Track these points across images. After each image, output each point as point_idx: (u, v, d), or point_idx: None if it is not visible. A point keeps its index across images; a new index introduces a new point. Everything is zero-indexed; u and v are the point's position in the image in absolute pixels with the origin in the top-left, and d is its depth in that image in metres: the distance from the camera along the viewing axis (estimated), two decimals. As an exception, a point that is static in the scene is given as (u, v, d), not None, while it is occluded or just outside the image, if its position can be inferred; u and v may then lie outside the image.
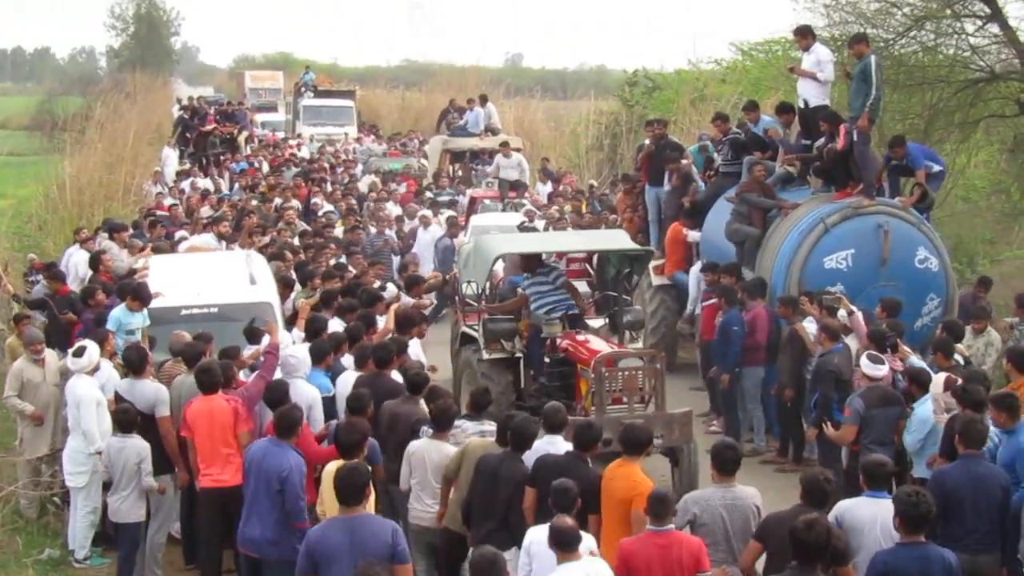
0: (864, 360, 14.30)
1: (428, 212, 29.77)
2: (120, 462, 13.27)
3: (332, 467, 11.25)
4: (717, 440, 11.21)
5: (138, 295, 16.65)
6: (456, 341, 19.38)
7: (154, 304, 16.79)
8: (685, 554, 9.67)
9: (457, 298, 20.13)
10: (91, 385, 14.22)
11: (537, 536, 10.10)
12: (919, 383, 13.98)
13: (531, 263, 18.25)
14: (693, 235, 21.91)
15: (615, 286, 18.79)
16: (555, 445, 12.07)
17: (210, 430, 12.77)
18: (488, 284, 18.66)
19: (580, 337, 16.77)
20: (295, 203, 30.65)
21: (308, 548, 10.00)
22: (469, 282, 18.55)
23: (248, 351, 14.94)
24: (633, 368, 15.50)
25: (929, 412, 13.47)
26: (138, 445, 13.27)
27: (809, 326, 16.79)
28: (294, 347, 14.76)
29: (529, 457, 11.94)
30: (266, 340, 14.44)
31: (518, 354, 17.21)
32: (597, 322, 18.14)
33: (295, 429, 11.81)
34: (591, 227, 27.17)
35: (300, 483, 11.36)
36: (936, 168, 19.49)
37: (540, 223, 28.06)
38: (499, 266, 19.62)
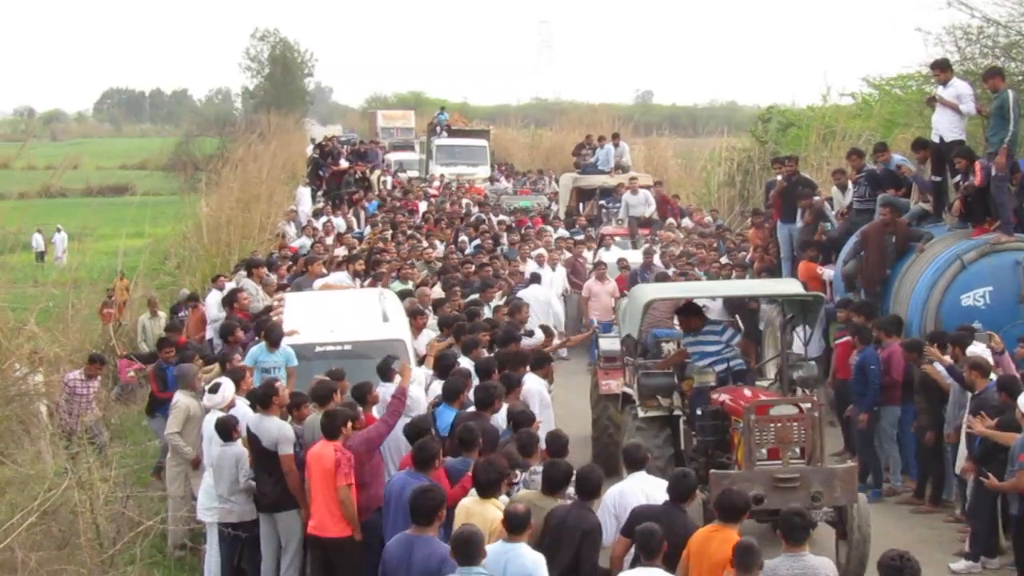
0: (1023, 400, 13.85)
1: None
2: (223, 467, 13.70)
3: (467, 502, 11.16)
4: (791, 508, 10.57)
5: (270, 336, 16.84)
6: (595, 395, 18.80)
7: (288, 341, 16.94)
8: None
9: (598, 352, 19.61)
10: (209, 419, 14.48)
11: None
12: None
13: (694, 320, 16.85)
14: (828, 272, 21.70)
15: (783, 338, 17.55)
16: (640, 481, 12.00)
17: (322, 476, 12.77)
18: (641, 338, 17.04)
19: (738, 391, 15.35)
20: (438, 244, 31.12)
21: (381, 559, 10.46)
22: (626, 335, 16.97)
23: (381, 388, 14.99)
24: (787, 417, 13.84)
25: None
26: (237, 451, 13.67)
27: (938, 365, 16.56)
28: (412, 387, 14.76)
29: (619, 498, 11.87)
30: (396, 382, 14.41)
31: (676, 411, 16.12)
32: (765, 381, 17.13)
33: (433, 462, 11.77)
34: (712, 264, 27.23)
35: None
36: None
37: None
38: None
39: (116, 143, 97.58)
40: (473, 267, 26.19)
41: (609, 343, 18.74)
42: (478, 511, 10.94)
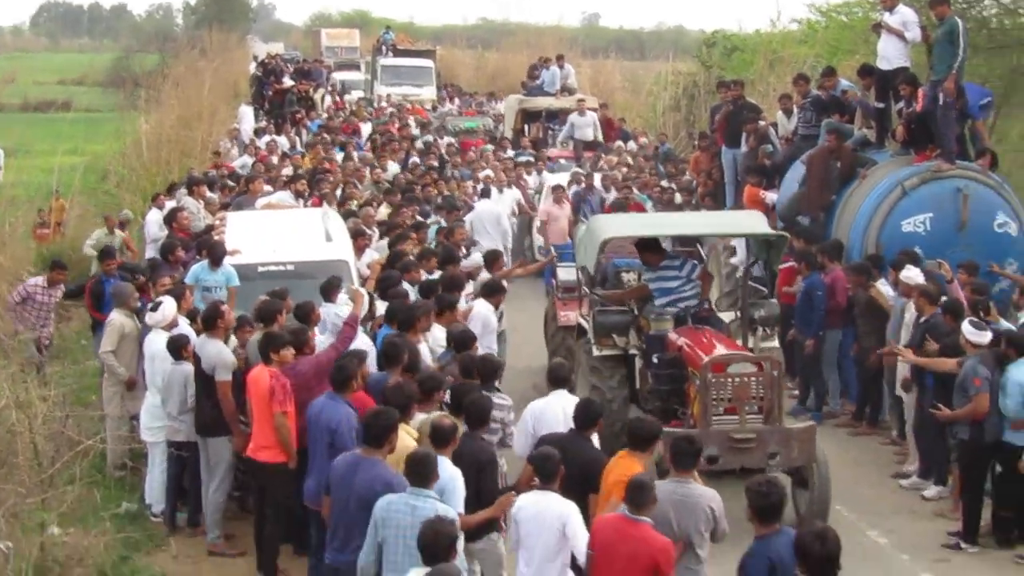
0: (967, 327, 14.00)
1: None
2: (173, 386, 13.76)
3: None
4: (679, 434, 10.69)
5: (213, 253, 16.79)
6: (552, 328, 18.50)
7: (230, 261, 16.88)
8: (646, 551, 9.12)
9: (555, 282, 19.16)
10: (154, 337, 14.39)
11: (523, 502, 10.01)
12: (1017, 346, 13.72)
13: (653, 255, 16.33)
14: (771, 197, 21.82)
15: (745, 275, 17.10)
16: (560, 399, 12.00)
17: (259, 400, 12.70)
18: (599, 271, 16.74)
19: (697, 335, 14.78)
20: (391, 165, 31.03)
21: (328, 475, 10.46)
22: (582, 268, 16.59)
23: (324, 308, 14.96)
24: (745, 374, 13.42)
25: None
26: (186, 369, 13.67)
27: (883, 288, 16.80)
28: (341, 308, 14.80)
29: (538, 415, 11.91)
30: (345, 308, 14.41)
31: (633, 351, 15.60)
32: (727, 316, 16.53)
33: (350, 383, 11.76)
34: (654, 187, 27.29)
35: (349, 436, 11.22)
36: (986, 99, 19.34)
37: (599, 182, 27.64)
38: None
39: (53, 58, 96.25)
40: (419, 187, 26.01)
41: (567, 272, 18.37)
42: None
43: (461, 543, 9.15)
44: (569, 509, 9.68)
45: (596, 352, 15.41)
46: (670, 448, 10.03)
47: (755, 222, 16.65)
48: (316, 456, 11.72)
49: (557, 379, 12.51)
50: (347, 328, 13.56)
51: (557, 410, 11.85)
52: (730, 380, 13.33)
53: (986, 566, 13.67)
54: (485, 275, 17.37)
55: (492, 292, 16.24)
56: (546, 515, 9.72)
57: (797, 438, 13.25)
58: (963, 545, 13.84)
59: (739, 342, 15.17)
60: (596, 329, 15.58)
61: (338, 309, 14.82)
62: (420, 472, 9.60)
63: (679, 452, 9.91)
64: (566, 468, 10.16)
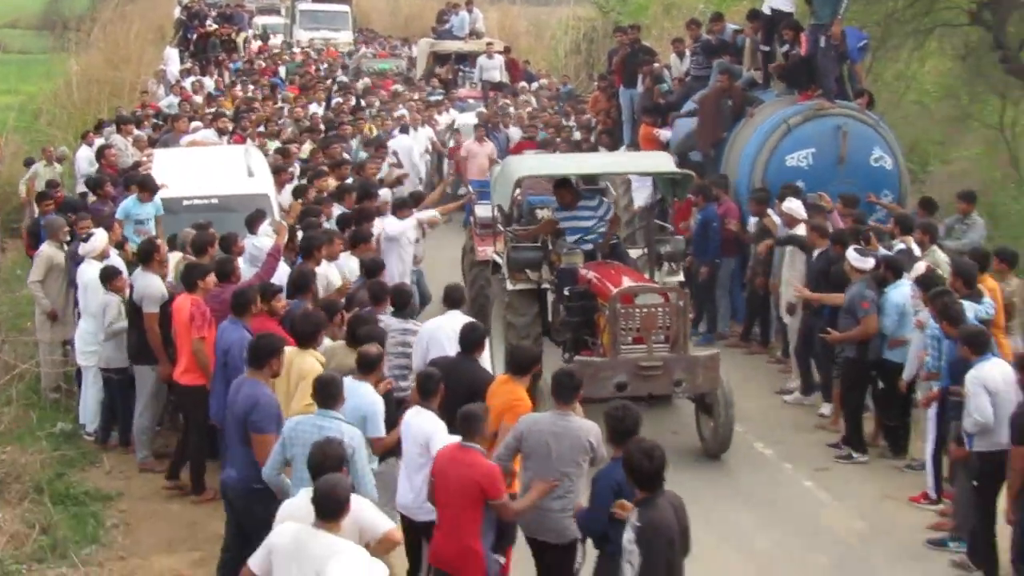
0: (852, 254, 14.17)
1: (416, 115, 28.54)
2: (102, 315, 13.76)
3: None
4: (560, 369, 10.41)
5: (145, 185, 16.65)
6: (469, 262, 18.28)
7: (158, 195, 16.75)
8: (471, 476, 9.01)
9: (473, 219, 18.91)
10: (98, 270, 14.21)
11: (405, 416, 10.11)
12: (895, 269, 14.02)
13: (567, 195, 15.91)
14: (664, 134, 21.85)
15: (650, 212, 16.78)
16: (451, 319, 12.05)
17: (181, 327, 12.75)
18: (514, 208, 16.44)
19: (606, 269, 14.55)
20: (313, 106, 30.91)
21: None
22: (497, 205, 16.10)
23: (247, 240, 14.86)
24: (652, 305, 13.19)
25: (903, 296, 13.64)
26: (105, 299, 13.71)
27: (773, 217, 17.04)
28: (261, 239, 14.82)
29: (430, 335, 12.00)
30: (267, 240, 14.41)
31: (545, 285, 15.31)
32: (635, 252, 16.12)
33: (248, 308, 11.76)
34: (556, 126, 27.22)
35: (240, 357, 10.99)
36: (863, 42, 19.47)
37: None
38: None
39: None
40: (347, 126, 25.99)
41: (484, 209, 17.86)
42: (296, 360, 10.83)
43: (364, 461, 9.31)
44: (436, 427, 9.71)
45: (510, 286, 15.06)
46: (553, 382, 9.85)
47: (662, 161, 16.36)
48: (216, 377, 11.78)
49: (451, 300, 12.54)
50: (270, 259, 13.52)
51: (448, 330, 11.86)
52: (638, 311, 13.07)
53: (860, 474, 13.98)
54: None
55: (400, 207, 16.54)
56: (416, 430, 9.86)
57: (702, 366, 13.04)
58: (854, 455, 14.11)
59: (647, 276, 14.95)
60: (510, 264, 15.26)
61: (259, 241, 14.77)
62: (326, 394, 9.58)
63: (559, 386, 9.78)
64: (454, 388, 10.24)
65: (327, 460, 8.18)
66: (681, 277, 15.99)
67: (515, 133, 27.29)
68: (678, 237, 16.51)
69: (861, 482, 13.69)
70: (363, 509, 8.17)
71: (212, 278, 12.94)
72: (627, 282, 13.68)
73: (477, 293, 17.10)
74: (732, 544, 12.26)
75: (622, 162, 17.88)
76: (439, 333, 11.98)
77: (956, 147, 23.27)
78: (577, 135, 26.02)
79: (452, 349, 11.73)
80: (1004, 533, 10.93)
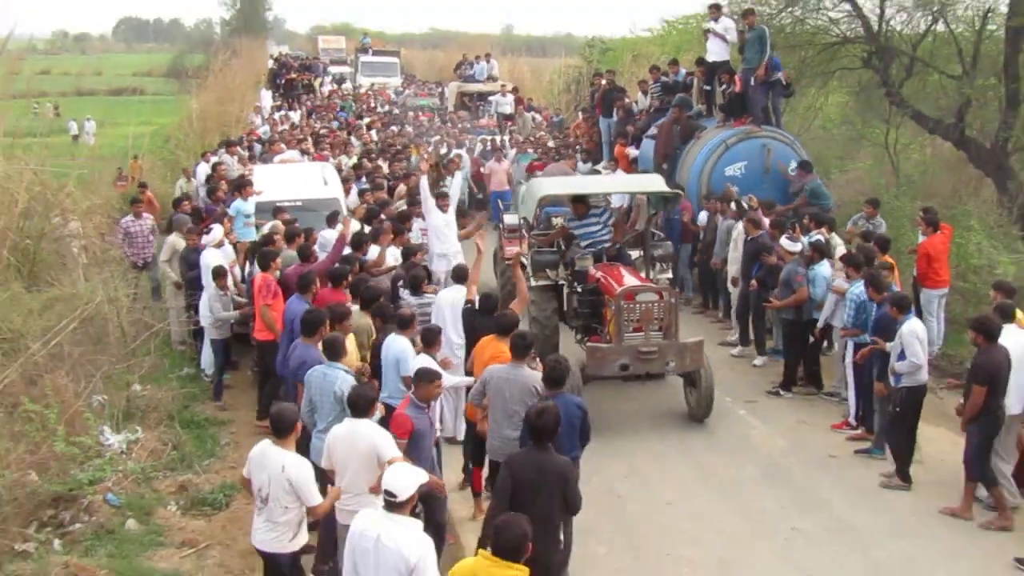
0: (785, 240, 14.41)
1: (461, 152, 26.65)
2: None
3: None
4: (519, 332, 10.30)
5: (241, 185, 17.06)
6: (500, 259, 16.94)
7: (257, 199, 16.85)
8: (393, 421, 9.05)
9: (501, 224, 17.78)
10: (216, 255, 14.33)
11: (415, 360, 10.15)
12: (819, 251, 13.96)
13: (580, 207, 15.07)
14: (633, 151, 21.87)
15: (648, 223, 15.72)
16: (453, 291, 12.31)
17: (256, 296, 12.93)
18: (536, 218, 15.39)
19: (612, 270, 13.90)
20: (373, 133, 31.35)
21: None
22: (523, 217, 15.37)
23: (324, 231, 14.93)
24: (650, 301, 12.69)
25: (827, 271, 13.71)
26: (216, 294, 13.84)
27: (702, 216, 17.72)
28: (329, 231, 14.90)
29: (439, 298, 12.24)
30: (332, 232, 14.50)
31: (561, 282, 14.74)
32: (634, 253, 15.30)
33: (310, 287, 11.89)
34: (543, 147, 27.23)
35: (294, 327, 11.15)
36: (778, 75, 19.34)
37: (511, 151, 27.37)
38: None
39: (129, 58, 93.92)
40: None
41: (510, 217, 16.94)
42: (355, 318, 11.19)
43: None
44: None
45: (533, 283, 14.37)
46: (512, 343, 9.80)
47: (656, 182, 15.43)
48: (283, 339, 11.82)
49: (458, 277, 12.61)
50: (337, 244, 13.60)
51: (448, 299, 12.16)
52: (638, 306, 12.62)
53: (783, 405, 14.03)
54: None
55: (440, 197, 16.29)
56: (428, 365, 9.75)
57: (690, 350, 12.57)
58: (782, 392, 14.18)
59: (643, 274, 14.41)
60: (533, 265, 14.73)
61: (327, 233, 14.89)
62: (332, 350, 9.81)
63: (515, 346, 9.79)
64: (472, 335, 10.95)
65: (360, 401, 8.50)
66: (670, 274, 15.53)
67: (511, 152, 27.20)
68: (667, 242, 15.98)
69: (783, 411, 13.71)
70: (376, 439, 8.35)
71: (277, 262, 13.06)
72: (629, 282, 13.16)
73: (505, 284, 16.29)
74: (683, 456, 12.40)
75: (624, 183, 16.98)
76: (441, 302, 12.16)
77: (852, 160, 23.24)
78: (566, 153, 26.03)
79: (449, 314, 11.97)
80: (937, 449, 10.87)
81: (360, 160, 23.33)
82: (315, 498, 7.97)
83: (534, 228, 15.47)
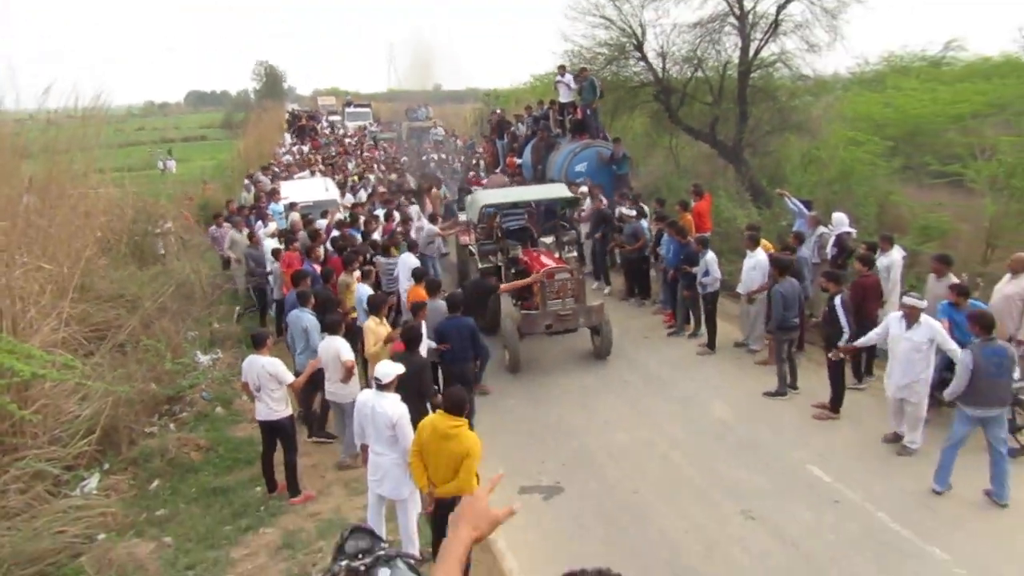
0: (624, 209, 13.98)
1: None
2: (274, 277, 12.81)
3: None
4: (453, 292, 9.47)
5: (272, 194, 17.17)
6: (458, 247, 15.18)
7: (284, 201, 16.59)
8: None
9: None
10: (272, 242, 13.37)
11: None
12: (703, 243, 11.83)
13: (511, 206, 13.98)
14: (518, 160, 21.49)
15: (559, 217, 14.55)
16: (406, 256, 11.47)
17: (284, 268, 11.76)
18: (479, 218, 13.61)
19: (535, 255, 12.51)
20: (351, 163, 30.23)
21: None
22: (470, 219, 13.97)
23: (318, 221, 14.56)
24: (565, 279, 11.35)
25: (713, 256, 11.76)
26: (274, 270, 12.57)
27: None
28: (321, 221, 14.41)
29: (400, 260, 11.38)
30: (322, 221, 14.23)
31: (500, 264, 13.27)
32: (548, 238, 13.94)
33: (302, 282, 9.89)
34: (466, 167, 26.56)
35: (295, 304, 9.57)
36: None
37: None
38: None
39: (196, 116, 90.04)
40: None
41: (463, 216, 15.46)
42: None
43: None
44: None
45: (480, 266, 13.16)
46: (425, 285, 9.00)
47: (561, 190, 13.90)
48: (288, 298, 10.50)
49: (410, 247, 11.95)
50: (327, 227, 13.40)
51: (404, 263, 11.49)
52: (556, 282, 11.36)
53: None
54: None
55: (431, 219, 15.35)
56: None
57: (595, 311, 11.30)
58: (681, 332, 12.43)
59: (556, 255, 13.01)
60: (480, 253, 13.43)
61: (320, 222, 14.26)
62: (303, 299, 9.12)
63: (427, 285, 9.36)
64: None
65: (331, 324, 8.29)
66: (575, 254, 14.07)
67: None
68: (572, 231, 14.53)
69: (674, 347, 12.20)
70: (340, 347, 8.12)
71: (298, 244, 12.12)
72: (549, 264, 11.72)
73: (461, 267, 14.79)
74: (587, 369, 12.21)
75: (540, 192, 14.46)
76: (400, 262, 11.64)
77: (650, 159, 23.38)
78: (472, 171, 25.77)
79: (403, 273, 11.36)
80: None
81: (361, 175, 22.77)
82: (289, 378, 7.84)
83: (479, 225, 13.93)
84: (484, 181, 20.89)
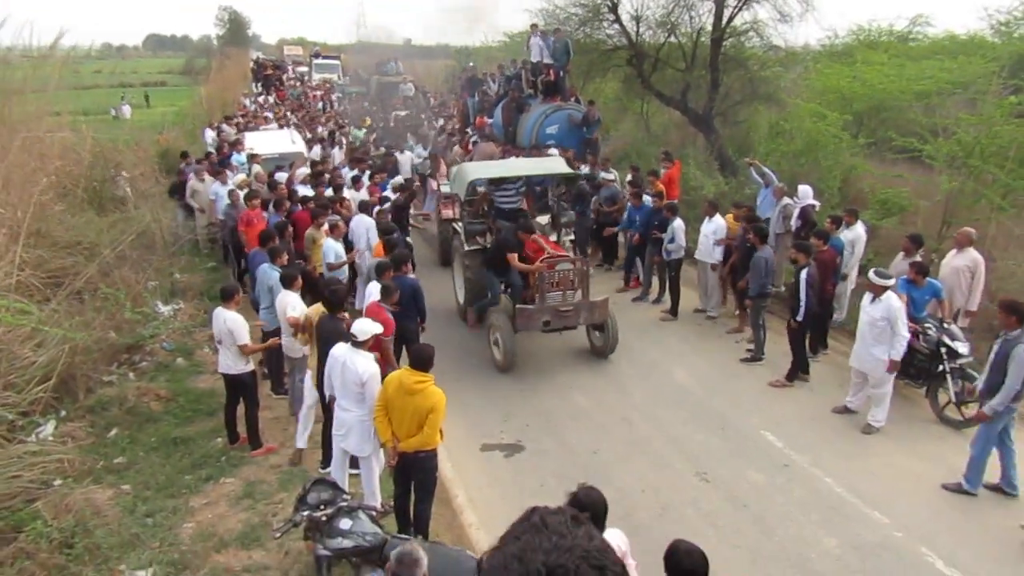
0: (604, 173, 13.97)
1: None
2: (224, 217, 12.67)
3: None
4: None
5: (236, 144, 16.91)
6: (440, 222, 13.96)
7: (248, 152, 16.22)
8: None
9: (438, 194, 14.51)
10: (220, 187, 13.56)
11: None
12: (672, 208, 11.74)
13: (498, 180, 11.70)
14: (489, 121, 21.21)
15: (557, 195, 12.32)
16: (362, 218, 11.25)
17: (246, 228, 11.31)
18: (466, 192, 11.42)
19: (534, 244, 10.49)
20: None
21: None
22: (455, 192, 12.14)
23: (278, 174, 14.30)
24: (566, 269, 9.96)
25: (680, 224, 11.74)
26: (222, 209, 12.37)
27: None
28: (281, 174, 14.20)
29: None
30: (283, 175, 13.97)
31: (488, 245, 11.11)
32: (543, 218, 12.05)
33: (270, 241, 9.48)
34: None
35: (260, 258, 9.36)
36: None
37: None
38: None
39: (155, 61, 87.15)
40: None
41: (446, 188, 13.39)
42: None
43: None
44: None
45: (467, 248, 11.25)
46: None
47: (560, 164, 12.07)
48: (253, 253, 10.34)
49: (386, 230, 10.38)
50: (289, 179, 13.27)
51: (363, 222, 11.14)
52: (557, 273, 9.95)
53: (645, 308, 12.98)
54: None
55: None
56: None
57: (599, 306, 9.98)
58: (645, 298, 12.49)
59: (552, 237, 11.49)
60: (466, 233, 11.44)
61: (280, 175, 14.01)
62: (271, 252, 9.01)
63: (386, 246, 9.24)
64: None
65: (286, 278, 8.20)
66: (572, 236, 12.48)
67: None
68: (571, 212, 12.63)
69: (638, 311, 12.08)
70: (290, 302, 7.98)
71: (257, 201, 11.46)
72: (549, 252, 10.25)
73: (444, 244, 13.58)
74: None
75: (535, 166, 12.46)
76: (360, 223, 11.31)
77: (621, 123, 23.37)
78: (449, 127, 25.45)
79: (359, 236, 11.11)
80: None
81: (333, 132, 22.00)
82: (244, 339, 7.73)
83: (464, 198, 11.83)
84: (470, 146, 19.81)
